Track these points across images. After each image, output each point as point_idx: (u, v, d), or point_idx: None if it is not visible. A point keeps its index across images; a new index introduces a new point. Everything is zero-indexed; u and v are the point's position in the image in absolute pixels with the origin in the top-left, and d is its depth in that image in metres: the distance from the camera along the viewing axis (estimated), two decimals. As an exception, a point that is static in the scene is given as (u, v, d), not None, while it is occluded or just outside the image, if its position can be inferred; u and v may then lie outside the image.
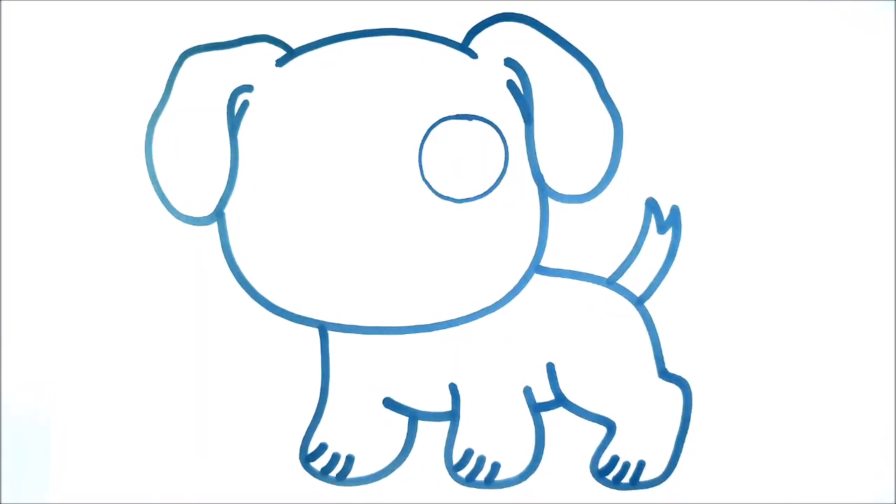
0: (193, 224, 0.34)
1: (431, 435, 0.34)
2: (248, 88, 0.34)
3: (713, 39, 0.35)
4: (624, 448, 0.35)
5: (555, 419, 0.35)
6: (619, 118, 0.35)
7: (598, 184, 0.35)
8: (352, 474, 0.34)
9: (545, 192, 0.35)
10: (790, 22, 0.35)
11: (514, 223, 0.35)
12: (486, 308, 0.35)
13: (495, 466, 0.34)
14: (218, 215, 0.34)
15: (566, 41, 0.35)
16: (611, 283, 0.35)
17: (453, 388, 0.35)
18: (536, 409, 0.35)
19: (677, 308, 0.35)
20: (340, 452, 0.34)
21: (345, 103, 0.35)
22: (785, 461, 0.35)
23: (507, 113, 0.35)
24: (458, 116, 0.34)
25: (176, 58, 0.34)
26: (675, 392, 0.35)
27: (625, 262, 0.35)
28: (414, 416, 0.34)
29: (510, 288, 0.35)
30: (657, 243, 0.34)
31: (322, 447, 0.34)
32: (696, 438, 0.35)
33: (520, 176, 0.35)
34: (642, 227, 0.34)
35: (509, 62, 0.35)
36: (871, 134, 0.35)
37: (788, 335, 0.34)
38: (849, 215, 0.34)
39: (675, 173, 0.35)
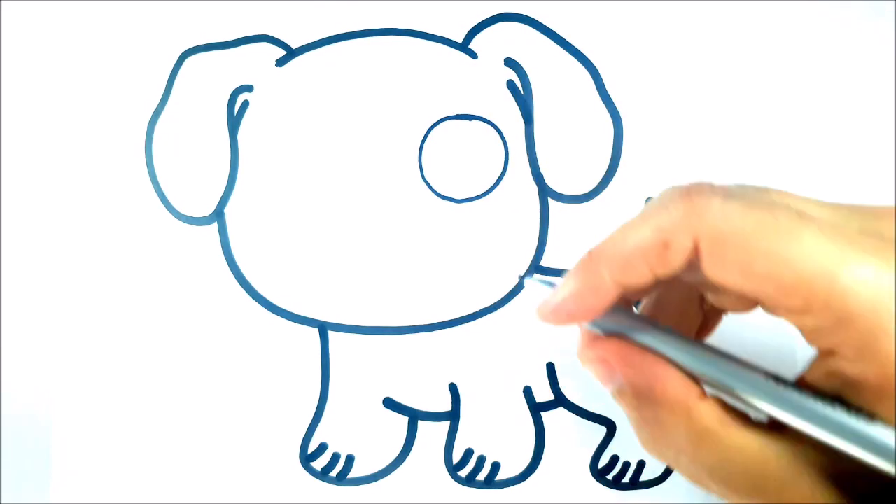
0: (193, 224, 0.34)
1: (431, 435, 0.34)
2: (248, 88, 0.34)
3: (714, 39, 0.35)
4: (624, 448, 0.35)
5: (555, 419, 0.35)
6: (620, 118, 0.35)
7: (598, 184, 0.35)
8: (352, 474, 0.34)
9: (545, 192, 0.35)
10: (790, 22, 0.35)
11: (514, 223, 0.35)
12: (486, 308, 0.35)
13: (495, 466, 0.34)
14: (218, 215, 0.34)
15: (566, 41, 0.35)
16: (611, 283, 0.35)
17: (453, 388, 0.35)
18: (536, 409, 0.35)
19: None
20: (340, 452, 0.34)
21: (345, 103, 0.35)
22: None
23: (507, 113, 0.35)
24: (458, 116, 0.34)
25: (176, 58, 0.34)
26: (675, 392, 0.35)
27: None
28: (414, 416, 0.34)
29: (510, 288, 0.35)
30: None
31: (322, 447, 0.34)
32: (696, 438, 0.35)
33: (520, 176, 0.35)
34: (642, 227, 0.34)
35: (509, 62, 0.35)
36: (872, 134, 0.35)
37: (789, 335, 0.34)
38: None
39: (675, 173, 0.35)
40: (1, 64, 0.34)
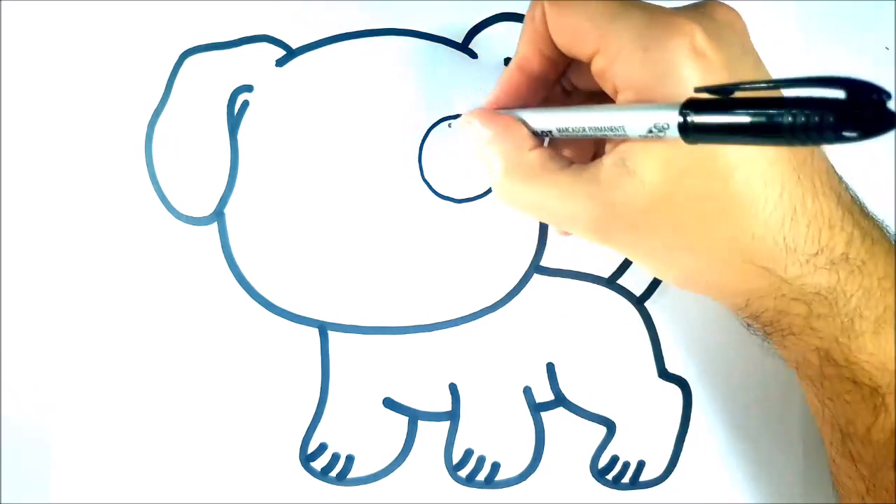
0: (193, 224, 0.34)
1: (431, 435, 0.34)
2: (249, 88, 0.34)
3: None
4: (624, 448, 0.35)
5: (555, 419, 0.35)
6: (619, 118, 0.35)
7: (598, 184, 0.35)
8: (352, 474, 0.34)
9: (545, 192, 0.35)
10: (790, 22, 0.35)
11: (514, 223, 0.35)
12: (486, 308, 0.35)
13: (495, 466, 0.34)
14: (218, 215, 0.34)
15: (566, 41, 0.35)
16: (611, 283, 0.35)
17: (453, 388, 0.35)
18: (536, 409, 0.35)
19: (677, 308, 0.35)
20: (340, 452, 0.34)
21: (345, 103, 0.35)
22: (784, 461, 0.35)
23: (507, 113, 0.35)
24: (458, 116, 0.34)
25: (176, 58, 0.34)
26: (675, 392, 0.35)
27: (625, 261, 0.35)
28: (414, 416, 0.34)
29: (510, 288, 0.35)
30: (657, 243, 0.34)
31: (322, 447, 0.34)
32: (696, 438, 0.35)
33: (520, 176, 0.35)
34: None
35: (509, 62, 0.35)
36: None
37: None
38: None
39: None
40: (1, 64, 0.34)
